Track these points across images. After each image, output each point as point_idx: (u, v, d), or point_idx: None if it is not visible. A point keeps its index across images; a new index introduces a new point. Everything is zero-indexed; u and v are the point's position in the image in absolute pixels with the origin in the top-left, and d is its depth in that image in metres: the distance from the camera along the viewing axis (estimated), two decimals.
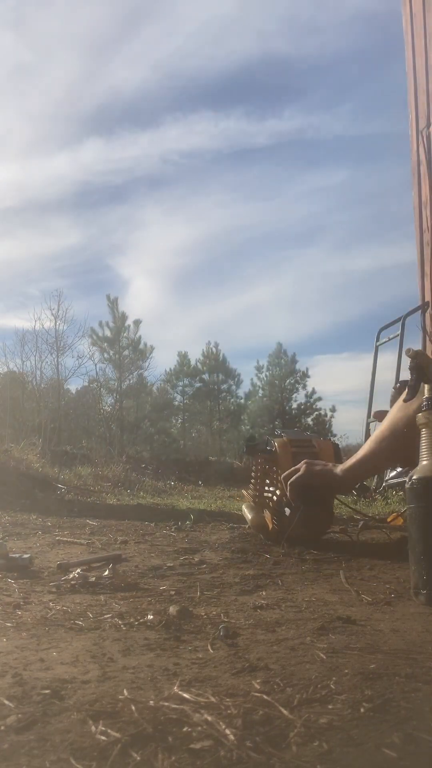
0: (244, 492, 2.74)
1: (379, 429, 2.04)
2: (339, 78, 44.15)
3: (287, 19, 39.32)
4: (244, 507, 2.58)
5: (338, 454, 2.34)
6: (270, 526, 2.27)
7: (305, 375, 30.92)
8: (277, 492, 2.24)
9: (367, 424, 5.61)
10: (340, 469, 2.10)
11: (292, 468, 2.16)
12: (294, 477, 2.13)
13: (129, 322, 25.64)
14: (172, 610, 1.20)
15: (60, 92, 38.33)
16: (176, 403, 30.50)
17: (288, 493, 2.14)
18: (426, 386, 1.53)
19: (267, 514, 2.33)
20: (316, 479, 2.11)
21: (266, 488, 2.40)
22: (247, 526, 2.62)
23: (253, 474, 2.51)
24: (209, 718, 0.70)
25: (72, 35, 37.50)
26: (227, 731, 0.66)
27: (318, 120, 42.07)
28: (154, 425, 25.89)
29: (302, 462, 2.16)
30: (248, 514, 2.46)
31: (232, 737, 0.65)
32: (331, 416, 30.38)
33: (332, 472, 2.10)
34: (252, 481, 2.52)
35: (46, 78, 37.35)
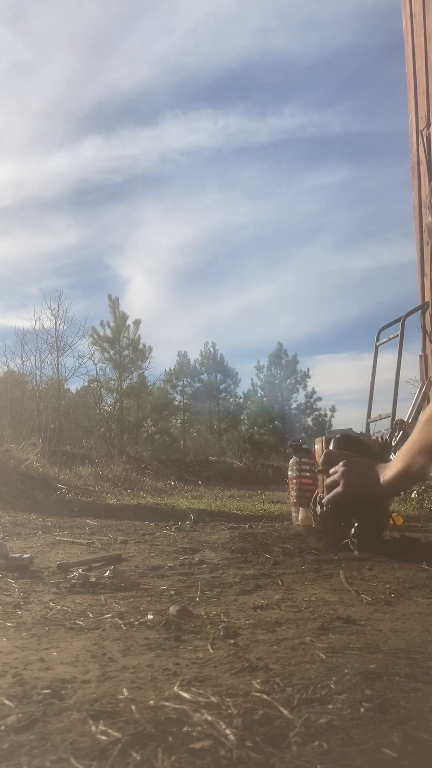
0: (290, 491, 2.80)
1: (411, 444, 1.86)
2: (339, 75, 44.12)
3: (287, 15, 39.27)
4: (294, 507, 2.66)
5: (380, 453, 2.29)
6: (313, 524, 2.35)
7: (306, 375, 30.95)
8: (318, 492, 2.30)
9: (367, 424, 5.60)
10: (384, 480, 1.93)
11: (332, 478, 1.99)
12: (333, 491, 1.96)
13: (129, 322, 25.68)
14: (172, 610, 1.20)
15: (58, 90, 38.23)
16: (176, 403, 30.50)
17: (326, 503, 2.05)
18: None
19: (310, 514, 2.40)
20: (356, 493, 1.96)
21: (306, 486, 2.46)
22: (295, 524, 2.69)
23: (296, 474, 2.57)
24: (209, 718, 0.70)
25: (70, 32, 37.41)
26: (227, 731, 0.66)
27: (318, 117, 42.09)
28: (154, 425, 25.88)
29: (340, 467, 1.98)
30: (301, 513, 2.52)
31: (232, 737, 0.65)
32: (331, 416, 30.42)
33: (375, 484, 1.94)
34: (294, 481, 2.59)
35: (45, 75, 37.28)
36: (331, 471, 2.02)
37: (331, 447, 2.17)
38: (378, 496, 2.01)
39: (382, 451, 2.47)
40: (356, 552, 1.98)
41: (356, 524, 2.05)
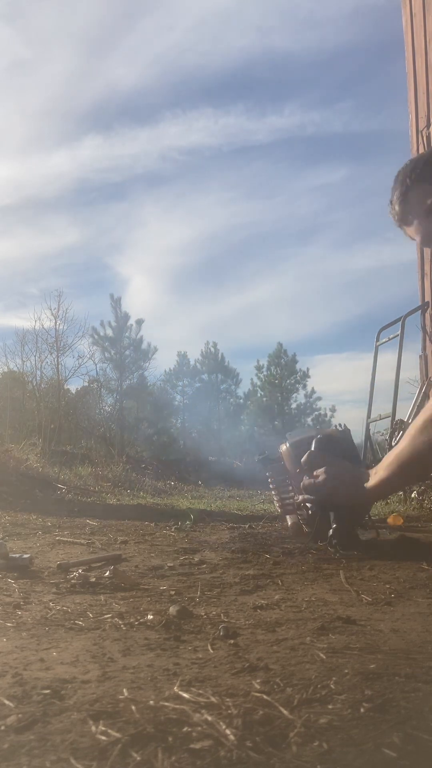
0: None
1: (400, 452, 1.87)
2: (340, 74, 44.15)
3: (286, 13, 39.30)
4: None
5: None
6: (304, 529, 2.37)
7: (305, 375, 30.94)
8: (296, 498, 2.32)
9: (367, 424, 5.60)
10: (368, 486, 1.95)
11: (313, 481, 2.04)
12: (316, 491, 2.01)
13: (131, 321, 25.64)
14: (172, 610, 1.20)
15: (57, 88, 38.10)
16: (176, 403, 30.50)
17: (309, 504, 2.09)
18: None
19: (296, 519, 2.42)
20: (339, 499, 2.00)
21: (285, 497, 2.48)
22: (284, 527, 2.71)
23: (271, 486, 2.57)
24: (209, 718, 0.70)
25: (69, 30, 37.39)
26: (227, 731, 0.66)
27: (318, 116, 42.12)
28: (154, 425, 25.87)
29: (322, 472, 2.01)
30: (288, 520, 2.54)
31: (232, 737, 0.65)
32: (331, 416, 30.42)
33: (359, 490, 1.96)
34: (273, 492, 2.59)
35: (44, 74, 37.15)
36: (315, 473, 2.07)
37: (312, 447, 2.18)
38: (361, 502, 2.05)
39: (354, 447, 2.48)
40: (337, 554, 1.99)
41: (334, 525, 2.06)
